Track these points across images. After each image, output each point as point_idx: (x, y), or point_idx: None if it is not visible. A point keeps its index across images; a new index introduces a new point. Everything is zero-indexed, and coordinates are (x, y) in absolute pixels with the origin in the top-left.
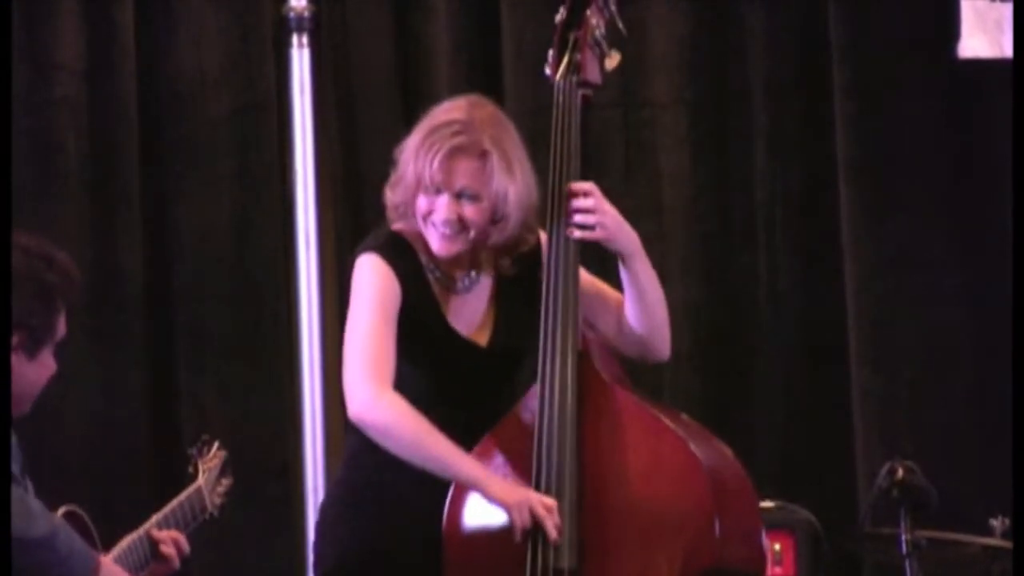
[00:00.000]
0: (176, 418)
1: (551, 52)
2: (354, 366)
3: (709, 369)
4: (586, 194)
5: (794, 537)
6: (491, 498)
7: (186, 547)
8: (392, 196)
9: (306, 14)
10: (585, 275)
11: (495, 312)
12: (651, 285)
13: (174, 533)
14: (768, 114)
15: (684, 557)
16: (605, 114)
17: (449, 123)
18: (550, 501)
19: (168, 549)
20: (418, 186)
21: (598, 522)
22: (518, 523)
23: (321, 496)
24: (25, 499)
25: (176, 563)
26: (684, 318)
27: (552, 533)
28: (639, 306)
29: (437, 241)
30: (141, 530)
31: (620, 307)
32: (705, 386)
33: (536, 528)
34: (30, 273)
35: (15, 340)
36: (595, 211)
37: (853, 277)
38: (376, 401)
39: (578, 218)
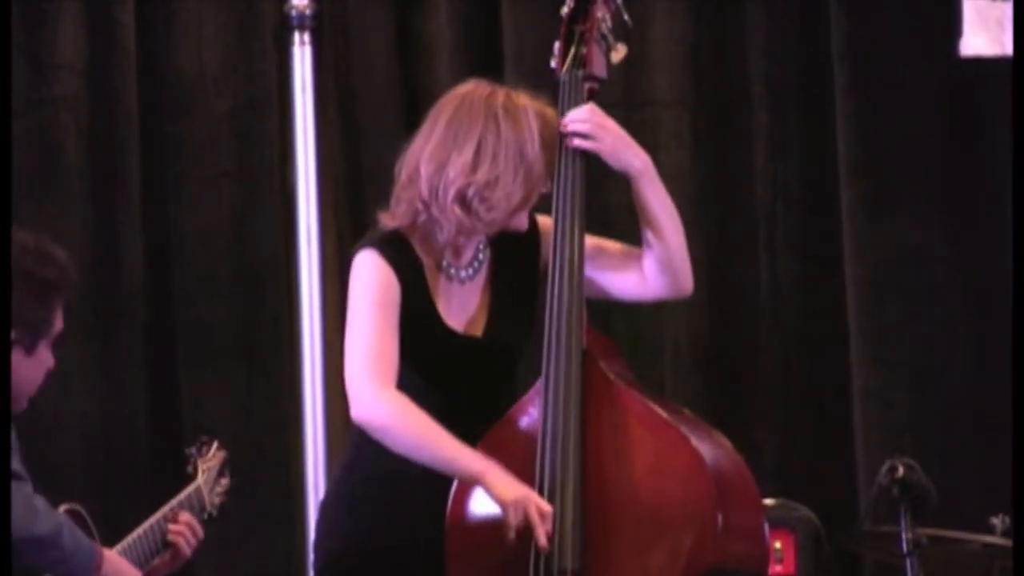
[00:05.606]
0: (176, 418)
1: (557, 45)
2: (354, 366)
3: (709, 368)
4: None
5: (794, 535)
6: (491, 493)
7: (200, 532)
8: (511, 193)
9: (307, 12)
10: (596, 239)
11: (489, 303)
12: (663, 208)
13: (186, 516)
14: (768, 114)
15: (688, 556)
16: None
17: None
18: (547, 507)
19: (178, 536)
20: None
21: (601, 521)
22: (512, 521)
23: (321, 494)
24: (30, 498)
25: (186, 550)
26: (684, 317)
27: (541, 540)
28: (652, 232)
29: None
30: (153, 519)
31: (638, 257)
32: (705, 385)
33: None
34: (26, 270)
35: (13, 336)
36: (590, 121)
37: (853, 277)
38: (375, 401)
39: (573, 127)
